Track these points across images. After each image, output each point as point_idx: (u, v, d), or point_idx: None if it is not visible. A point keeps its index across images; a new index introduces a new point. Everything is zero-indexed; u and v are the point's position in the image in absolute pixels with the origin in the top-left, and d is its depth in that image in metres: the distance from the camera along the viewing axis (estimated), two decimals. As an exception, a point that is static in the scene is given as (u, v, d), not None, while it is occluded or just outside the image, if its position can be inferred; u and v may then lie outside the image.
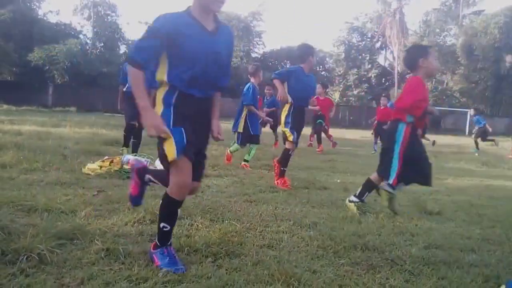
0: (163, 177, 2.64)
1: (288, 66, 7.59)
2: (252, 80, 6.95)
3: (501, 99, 37.57)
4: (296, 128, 5.40)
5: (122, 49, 39.75)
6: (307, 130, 8.56)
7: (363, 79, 42.78)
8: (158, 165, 5.51)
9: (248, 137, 6.94)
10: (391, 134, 4.11)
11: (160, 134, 2.32)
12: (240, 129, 6.92)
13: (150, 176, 2.84)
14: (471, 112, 14.84)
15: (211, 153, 8.45)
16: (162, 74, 2.45)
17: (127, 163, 5.48)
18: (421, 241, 3.21)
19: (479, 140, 14.39)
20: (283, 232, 3.27)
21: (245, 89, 6.94)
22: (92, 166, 5.36)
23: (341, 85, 43.45)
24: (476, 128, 14.37)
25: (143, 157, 5.73)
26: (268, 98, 11.36)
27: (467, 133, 28.27)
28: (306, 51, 5.48)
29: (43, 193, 3.92)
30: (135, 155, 5.73)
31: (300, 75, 5.35)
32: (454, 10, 42.61)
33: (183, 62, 2.41)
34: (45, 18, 37.01)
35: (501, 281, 2.51)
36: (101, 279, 2.21)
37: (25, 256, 2.35)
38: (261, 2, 40.02)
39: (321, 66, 44.87)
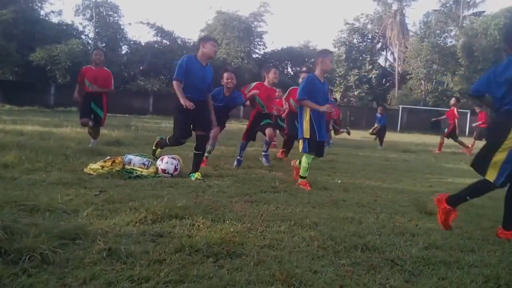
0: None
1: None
2: (316, 72, 5.50)
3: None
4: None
5: (124, 49, 39.92)
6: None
7: (364, 79, 42.84)
8: (159, 165, 5.53)
9: (315, 144, 5.39)
10: None
11: None
12: (307, 135, 5.33)
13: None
14: (379, 110, 15.52)
15: (212, 154, 8.46)
16: None
17: (129, 163, 5.51)
18: (421, 242, 3.22)
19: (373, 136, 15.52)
20: (284, 232, 3.28)
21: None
22: (94, 166, 5.38)
23: (342, 86, 43.49)
24: (378, 126, 15.17)
25: (145, 157, 5.76)
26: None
27: (467, 134, 28.26)
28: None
29: (45, 193, 3.94)
30: (136, 155, 5.74)
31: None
32: (454, 11, 42.63)
33: None
34: (47, 19, 37.11)
35: (501, 281, 2.53)
36: (103, 279, 2.22)
37: (28, 256, 2.36)
38: (262, 3, 39.92)
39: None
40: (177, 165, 5.60)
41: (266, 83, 7.12)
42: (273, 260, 2.64)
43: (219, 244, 2.77)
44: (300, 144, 5.47)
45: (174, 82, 5.42)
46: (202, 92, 5.61)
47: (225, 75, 6.85)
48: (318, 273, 2.50)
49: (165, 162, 5.56)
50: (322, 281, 2.38)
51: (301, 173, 5.48)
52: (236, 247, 2.79)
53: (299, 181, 5.49)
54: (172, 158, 5.63)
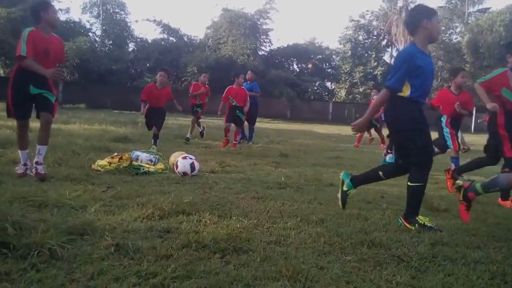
0: None
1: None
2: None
3: (506, 97, 37.36)
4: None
5: (131, 46, 40.06)
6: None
7: (369, 76, 42.58)
8: (178, 171, 5.53)
9: None
10: None
11: None
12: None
13: None
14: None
15: (219, 150, 8.49)
16: None
17: (136, 159, 5.53)
18: (427, 238, 3.21)
19: None
20: (290, 228, 3.29)
21: None
22: (102, 163, 5.41)
23: (347, 83, 43.32)
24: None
25: (152, 154, 5.78)
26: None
27: (472, 131, 28.09)
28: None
29: (53, 189, 3.98)
30: (144, 152, 5.76)
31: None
32: (459, 8, 42.33)
33: None
34: (54, 16, 37.29)
35: (507, 277, 2.52)
36: (111, 274, 2.24)
37: (36, 251, 2.38)
38: (268, 0, 39.78)
39: (327, 64, 44.79)
40: (193, 163, 5.45)
41: None
42: (280, 256, 2.65)
43: (225, 240, 2.78)
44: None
45: (385, 91, 3.60)
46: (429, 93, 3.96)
47: None
48: (325, 269, 2.51)
49: (182, 166, 5.39)
50: (328, 277, 2.38)
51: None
52: (242, 243, 2.80)
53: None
54: (184, 158, 5.49)
